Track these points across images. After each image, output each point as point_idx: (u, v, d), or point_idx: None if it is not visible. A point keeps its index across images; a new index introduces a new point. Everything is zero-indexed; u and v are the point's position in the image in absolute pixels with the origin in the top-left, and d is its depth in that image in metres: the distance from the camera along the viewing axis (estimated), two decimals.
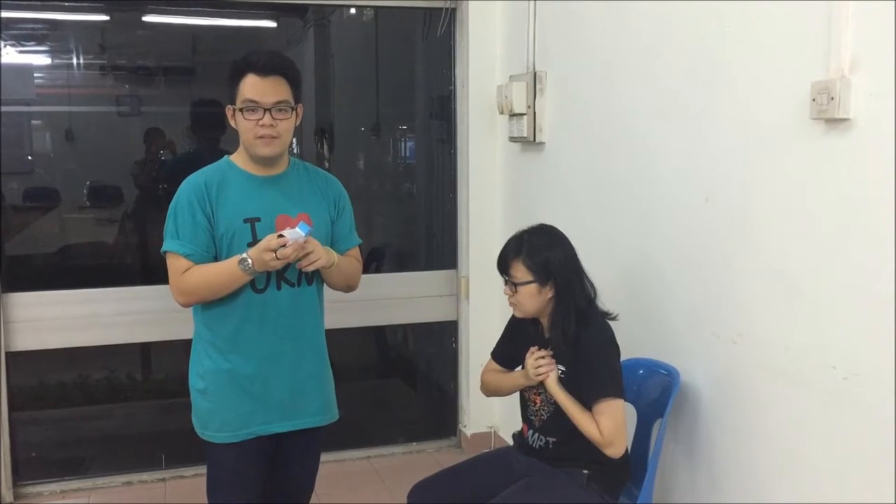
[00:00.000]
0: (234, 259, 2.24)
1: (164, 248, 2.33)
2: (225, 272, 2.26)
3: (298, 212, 2.36)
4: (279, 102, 2.27)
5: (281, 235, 2.20)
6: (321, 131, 4.34)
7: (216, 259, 2.31)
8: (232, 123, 2.34)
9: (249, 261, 2.21)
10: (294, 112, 2.33)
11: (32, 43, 3.91)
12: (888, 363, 1.90)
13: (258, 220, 2.32)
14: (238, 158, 2.39)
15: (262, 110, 2.26)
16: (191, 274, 2.28)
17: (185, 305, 2.35)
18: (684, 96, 2.61)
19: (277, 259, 2.18)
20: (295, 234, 2.20)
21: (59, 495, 3.72)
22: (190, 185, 2.33)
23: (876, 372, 1.94)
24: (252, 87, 2.26)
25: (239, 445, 2.37)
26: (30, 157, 3.99)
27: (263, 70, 2.26)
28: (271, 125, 2.27)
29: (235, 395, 2.36)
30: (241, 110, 2.27)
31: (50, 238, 4.07)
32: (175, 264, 2.30)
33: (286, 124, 2.31)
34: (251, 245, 2.27)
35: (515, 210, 3.92)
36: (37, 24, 3.85)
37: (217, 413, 2.37)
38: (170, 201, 2.35)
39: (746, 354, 2.38)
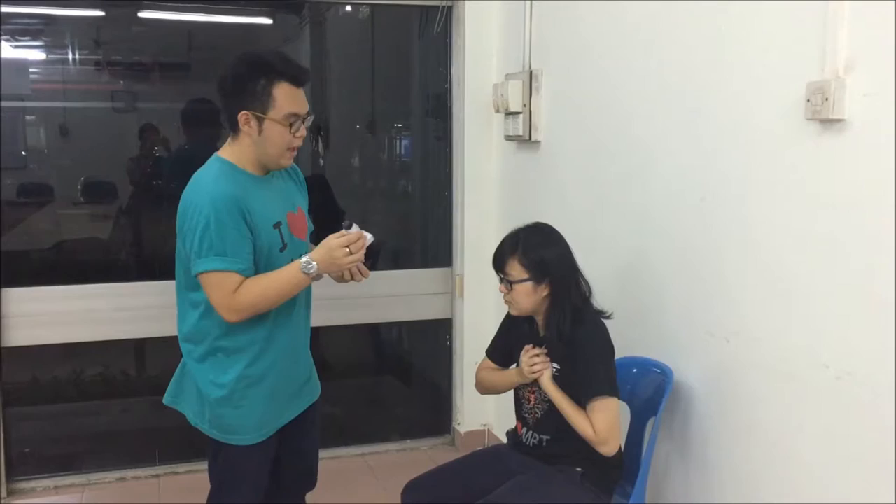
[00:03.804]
0: (293, 266, 2.19)
1: (206, 267, 2.14)
2: (286, 281, 2.20)
3: (298, 206, 2.38)
4: (308, 112, 2.24)
5: (346, 233, 2.19)
6: (317, 128, 4.32)
7: (256, 271, 2.22)
8: (245, 129, 2.20)
9: (314, 264, 2.16)
10: None
11: (27, 38, 3.89)
12: (881, 362, 1.91)
13: (280, 223, 2.28)
14: (240, 160, 2.25)
15: (300, 122, 2.21)
16: (246, 290, 2.16)
17: (236, 322, 2.20)
18: (680, 96, 2.61)
19: (350, 255, 2.16)
20: (363, 232, 2.22)
21: (52, 491, 3.72)
22: (223, 197, 2.15)
23: (869, 371, 1.96)
24: (291, 98, 2.18)
25: (263, 443, 2.34)
26: (24, 153, 3.98)
27: (300, 81, 2.21)
28: (302, 135, 2.23)
29: (264, 396, 2.31)
30: (288, 125, 2.18)
31: (44, 234, 4.05)
32: (224, 282, 2.15)
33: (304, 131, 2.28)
34: (282, 251, 2.26)
35: (511, 208, 3.92)
36: (32, 19, 3.83)
37: (247, 418, 2.30)
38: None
39: (740, 353, 2.39)
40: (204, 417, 2.33)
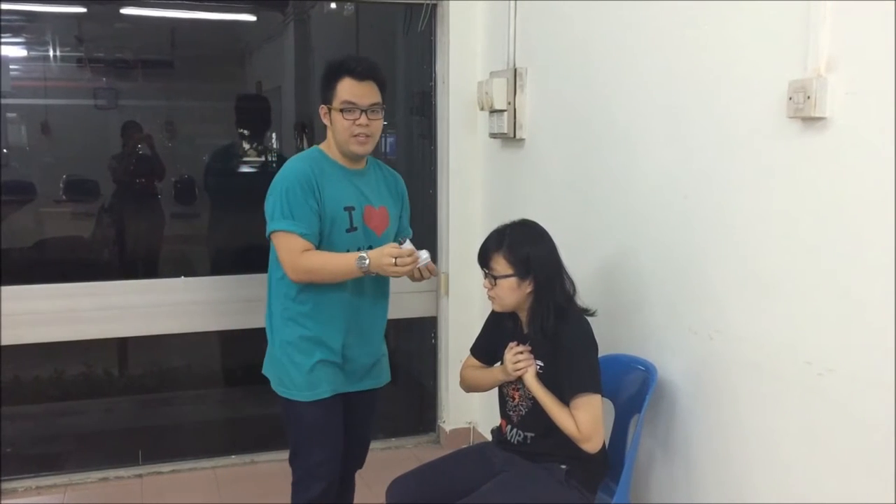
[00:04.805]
0: (352, 256, 2.44)
1: (275, 227, 2.46)
2: (341, 264, 2.46)
3: (380, 205, 2.63)
4: (374, 104, 2.51)
5: (401, 247, 2.40)
6: (301, 125, 4.32)
7: (320, 240, 2.50)
8: (325, 121, 2.56)
9: (367, 260, 2.40)
10: (384, 113, 2.56)
11: (8, 34, 3.85)
12: (862, 359, 1.93)
13: (353, 209, 2.54)
14: (329, 149, 2.59)
15: (359, 111, 2.48)
16: (309, 256, 2.45)
17: (296, 282, 2.50)
18: (663, 94, 2.62)
19: (396, 266, 2.37)
20: (416, 251, 2.41)
21: (34, 491, 3.69)
22: (297, 172, 2.49)
23: (850, 368, 1.97)
24: (350, 89, 2.48)
25: (323, 403, 2.56)
26: (5, 151, 3.94)
27: (360, 75, 2.49)
28: (367, 125, 2.49)
29: (318, 360, 2.56)
30: (340, 111, 2.47)
31: (26, 232, 4.02)
32: (291, 242, 2.45)
33: (378, 124, 2.54)
34: (348, 231, 2.53)
35: (495, 206, 3.92)
36: (12, 15, 3.80)
37: (301, 374, 2.55)
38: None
39: (723, 350, 2.40)
40: (275, 374, 2.61)
